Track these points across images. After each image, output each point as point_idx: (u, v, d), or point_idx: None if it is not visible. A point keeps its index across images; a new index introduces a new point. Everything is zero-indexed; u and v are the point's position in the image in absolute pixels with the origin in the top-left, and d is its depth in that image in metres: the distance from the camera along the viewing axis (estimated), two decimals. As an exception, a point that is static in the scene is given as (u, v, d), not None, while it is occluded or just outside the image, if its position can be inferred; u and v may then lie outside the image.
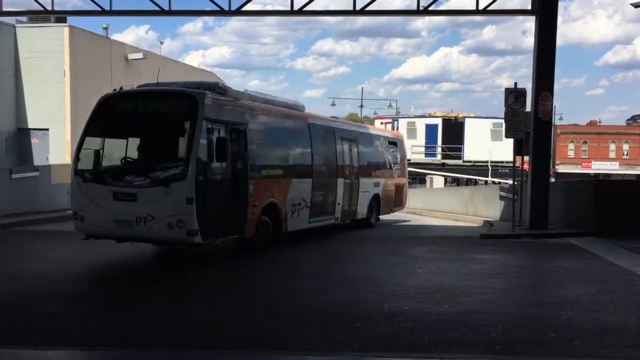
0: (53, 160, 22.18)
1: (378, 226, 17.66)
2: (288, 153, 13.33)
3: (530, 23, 57.95)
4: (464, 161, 42.10)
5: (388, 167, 18.79)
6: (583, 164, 59.54)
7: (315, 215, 14.00)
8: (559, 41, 21.07)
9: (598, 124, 65.32)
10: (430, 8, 16.58)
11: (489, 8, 15.92)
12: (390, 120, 48.53)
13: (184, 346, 5.94)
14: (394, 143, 19.85)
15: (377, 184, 17.62)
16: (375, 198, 17.51)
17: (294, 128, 13.63)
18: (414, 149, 43.22)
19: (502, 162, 37.04)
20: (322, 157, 14.48)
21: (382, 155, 18.70)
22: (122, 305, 7.57)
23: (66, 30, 23.28)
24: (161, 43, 41.92)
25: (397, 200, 19.39)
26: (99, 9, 16.52)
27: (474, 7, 16.03)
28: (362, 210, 16.62)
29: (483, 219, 21.05)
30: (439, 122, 45.19)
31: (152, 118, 10.68)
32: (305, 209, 13.47)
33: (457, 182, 47.61)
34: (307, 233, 13.99)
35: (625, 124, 71.68)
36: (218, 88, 11.36)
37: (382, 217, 18.60)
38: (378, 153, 18.39)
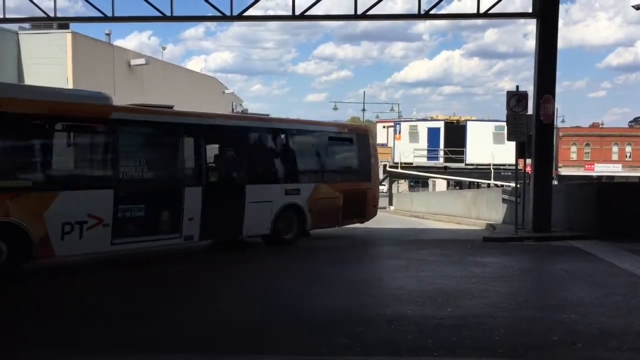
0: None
1: (296, 243, 14.00)
2: (49, 157, 10.47)
3: (531, 26, 57.93)
4: (466, 164, 42.10)
5: (327, 169, 15.10)
6: (586, 166, 59.39)
7: (128, 235, 10.95)
8: (561, 44, 21.27)
9: (600, 126, 65.18)
10: (431, 12, 16.62)
11: (490, 11, 15.93)
12: (392, 123, 48.64)
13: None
14: (347, 140, 15.94)
15: (295, 191, 13.94)
16: (294, 209, 13.91)
17: (68, 125, 10.54)
18: (417, 152, 43.35)
19: (505, 165, 37.03)
20: (147, 160, 11.58)
21: (313, 155, 15.08)
22: None
23: (69, 36, 23.43)
24: (163, 49, 41.81)
25: (351, 210, 15.15)
26: (102, 15, 16.58)
27: (475, 11, 16.05)
28: (257, 224, 13.15)
29: (486, 222, 21.07)
30: (441, 125, 45.30)
31: None
32: (101, 227, 10.47)
33: (459, 185, 47.64)
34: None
35: (627, 126, 71.46)
36: None
37: (363, 224, 16.21)
38: (300, 152, 14.74)
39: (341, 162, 15.83)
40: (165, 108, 12.47)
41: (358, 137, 16.10)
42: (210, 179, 12.61)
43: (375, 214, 16.50)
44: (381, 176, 47.20)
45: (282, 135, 14.44)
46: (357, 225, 16.39)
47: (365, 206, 15.78)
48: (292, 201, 13.89)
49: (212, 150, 12.90)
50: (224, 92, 42.18)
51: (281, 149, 14.45)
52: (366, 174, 15.99)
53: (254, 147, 13.90)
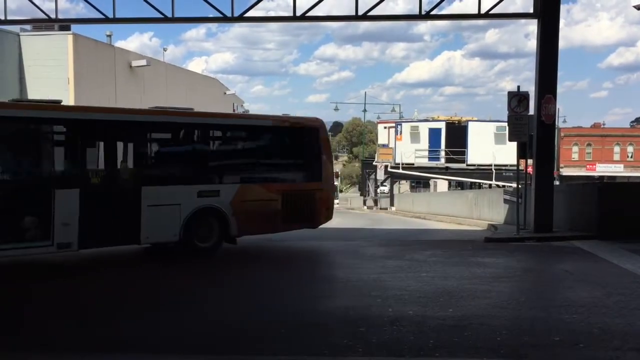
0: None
1: (217, 254, 12.39)
2: None
3: (532, 26, 57.90)
4: (467, 165, 42.13)
5: (258, 168, 13.36)
6: (587, 166, 59.40)
7: None
8: (562, 44, 21.17)
9: (602, 126, 65.22)
10: (432, 12, 16.67)
11: (491, 12, 15.95)
12: (393, 124, 48.68)
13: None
14: (288, 134, 13.94)
15: (212, 193, 12.30)
16: (212, 213, 12.23)
17: None
18: (418, 153, 43.38)
19: (506, 165, 37.07)
20: (1, 160, 10.60)
21: (238, 152, 13.51)
22: None
23: (70, 38, 23.47)
24: (165, 50, 42.06)
25: (293, 213, 13.16)
26: (103, 16, 16.60)
27: (476, 11, 16.06)
28: (160, 230, 11.60)
29: (487, 223, 21.07)
30: (442, 125, 45.35)
31: None
32: None
33: (461, 185, 47.66)
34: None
35: (629, 126, 71.53)
36: None
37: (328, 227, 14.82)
38: (220, 150, 13.47)
39: (279, 160, 13.82)
40: (50, 103, 11.40)
41: (303, 132, 13.93)
42: (92, 180, 11.35)
43: (329, 217, 14.34)
44: (382, 177, 47.36)
45: (194, 131, 12.93)
46: (358, 226, 16.36)
47: (314, 209, 13.62)
48: (209, 204, 12.22)
49: (96, 148, 11.44)
50: (225, 93, 42.27)
51: (192, 147, 12.99)
52: (315, 172, 13.87)
53: (153, 145, 12.49)
